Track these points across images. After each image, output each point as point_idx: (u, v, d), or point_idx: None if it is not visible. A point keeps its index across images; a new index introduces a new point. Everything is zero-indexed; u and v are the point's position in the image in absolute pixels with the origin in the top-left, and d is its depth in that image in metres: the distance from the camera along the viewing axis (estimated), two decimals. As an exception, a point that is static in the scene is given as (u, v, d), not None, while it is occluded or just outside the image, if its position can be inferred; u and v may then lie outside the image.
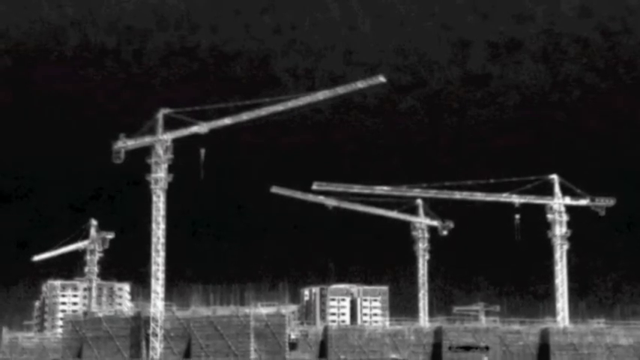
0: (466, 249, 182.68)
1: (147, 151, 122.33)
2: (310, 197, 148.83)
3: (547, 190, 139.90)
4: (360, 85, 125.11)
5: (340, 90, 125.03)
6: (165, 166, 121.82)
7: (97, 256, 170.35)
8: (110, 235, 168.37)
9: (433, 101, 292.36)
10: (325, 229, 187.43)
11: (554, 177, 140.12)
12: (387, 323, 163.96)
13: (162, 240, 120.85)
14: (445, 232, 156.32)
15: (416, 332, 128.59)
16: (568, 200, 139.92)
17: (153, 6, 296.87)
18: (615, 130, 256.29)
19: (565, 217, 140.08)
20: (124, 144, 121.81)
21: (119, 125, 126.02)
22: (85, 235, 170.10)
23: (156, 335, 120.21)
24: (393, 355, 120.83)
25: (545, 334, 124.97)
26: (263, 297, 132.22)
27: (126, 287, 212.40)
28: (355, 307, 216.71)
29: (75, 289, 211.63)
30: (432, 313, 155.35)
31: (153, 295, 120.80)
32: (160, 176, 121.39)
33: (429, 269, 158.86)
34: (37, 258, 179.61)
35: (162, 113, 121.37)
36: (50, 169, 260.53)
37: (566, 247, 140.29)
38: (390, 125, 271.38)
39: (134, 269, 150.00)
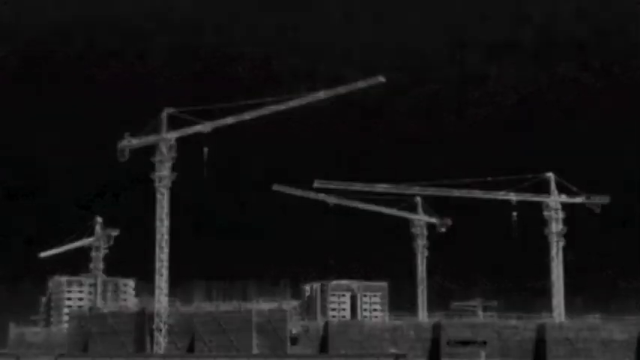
0: (464, 246, 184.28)
1: (151, 149, 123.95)
2: (311, 195, 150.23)
3: (543, 188, 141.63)
4: (360, 85, 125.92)
5: (340, 90, 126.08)
6: (169, 164, 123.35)
7: (102, 252, 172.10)
8: (115, 232, 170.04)
9: (432, 101, 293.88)
10: (326, 227, 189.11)
11: (551, 175, 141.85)
12: (387, 318, 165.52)
13: (166, 237, 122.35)
14: (443, 229, 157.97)
15: (415, 327, 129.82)
16: (564, 198, 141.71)
17: (157, 7, 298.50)
18: (611, 129, 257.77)
19: (561, 215, 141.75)
20: (129, 143, 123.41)
21: (124, 124, 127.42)
22: (90, 232, 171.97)
23: (160, 330, 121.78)
24: (393, 350, 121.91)
25: (541, 329, 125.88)
26: (265, 293, 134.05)
27: (130, 283, 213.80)
28: (355, 302, 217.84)
29: (80, 285, 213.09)
30: (430, 309, 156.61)
31: (157, 291, 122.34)
32: (164, 174, 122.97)
33: (427, 265, 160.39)
34: (43, 254, 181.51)
35: (166, 113, 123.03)
36: (56, 168, 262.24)
37: (562, 243, 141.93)
38: (390, 125, 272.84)
39: (139, 265, 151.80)
